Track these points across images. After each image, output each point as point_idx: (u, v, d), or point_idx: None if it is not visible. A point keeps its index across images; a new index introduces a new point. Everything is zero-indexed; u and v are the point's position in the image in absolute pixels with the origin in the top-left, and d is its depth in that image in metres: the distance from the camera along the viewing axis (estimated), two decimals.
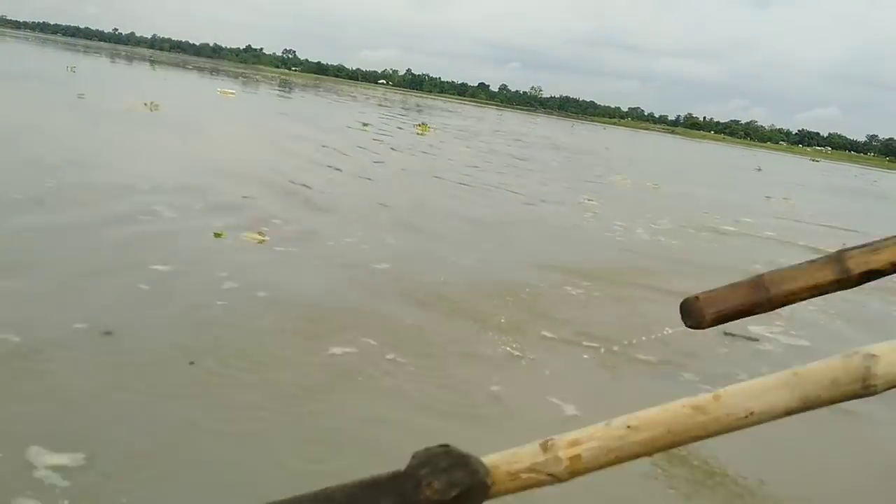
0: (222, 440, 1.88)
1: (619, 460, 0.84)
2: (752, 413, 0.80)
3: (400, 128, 17.80)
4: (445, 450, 0.86)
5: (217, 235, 4.01)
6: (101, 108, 10.60)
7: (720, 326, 2.92)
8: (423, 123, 19.31)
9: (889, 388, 0.78)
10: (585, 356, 3.02)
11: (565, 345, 3.12)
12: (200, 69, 55.20)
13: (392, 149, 11.70)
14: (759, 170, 26.81)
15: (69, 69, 21.81)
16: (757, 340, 3.73)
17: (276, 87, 41.13)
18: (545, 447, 0.84)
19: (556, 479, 0.84)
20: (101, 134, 7.96)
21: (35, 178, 4.80)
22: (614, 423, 0.83)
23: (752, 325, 3.87)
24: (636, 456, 0.84)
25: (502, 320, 3.26)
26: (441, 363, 2.70)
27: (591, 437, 0.84)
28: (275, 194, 5.73)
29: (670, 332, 3.15)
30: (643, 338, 3.29)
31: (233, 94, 22.58)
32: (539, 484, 0.84)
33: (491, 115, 53.72)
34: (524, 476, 0.84)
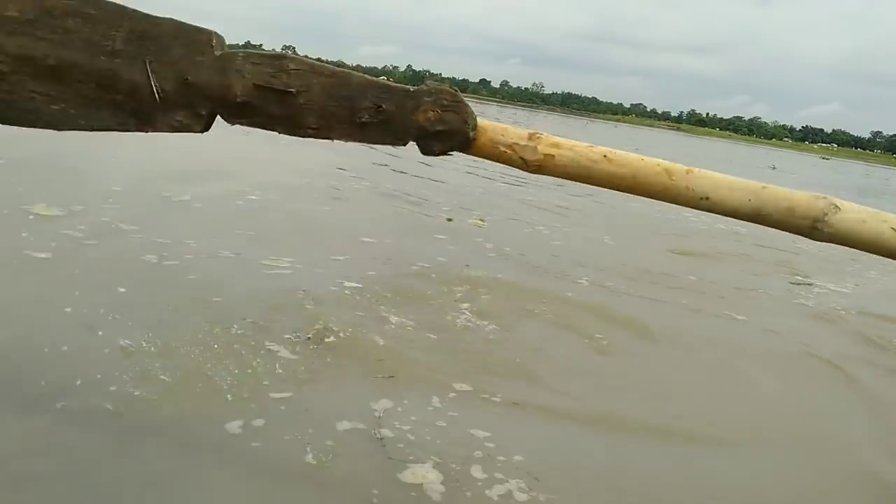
0: None
1: (582, 179, 0.97)
2: (707, 198, 0.91)
3: None
4: (453, 92, 1.07)
5: (449, 220, 5.79)
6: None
7: (786, 276, 5.36)
8: None
9: (832, 241, 0.90)
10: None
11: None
12: None
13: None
14: (774, 168, 28.61)
15: None
16: (811, 284, 5.55)
17: None
18: (532, 137, 0.99)
19: (525, 165, 0.98)
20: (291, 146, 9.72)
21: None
22: (596, 148, 0.99)
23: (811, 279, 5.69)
24: (599, 184, 0.96)
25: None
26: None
27: (572, 148, 0.97)
28: (444, 191, 7.51)
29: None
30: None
31: None
32: (510, 162, 0.98)
33: (499, 113, 55.26)
34: (502, 149, 0.99)
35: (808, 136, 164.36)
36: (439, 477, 2.00)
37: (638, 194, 0.99)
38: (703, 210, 0.96)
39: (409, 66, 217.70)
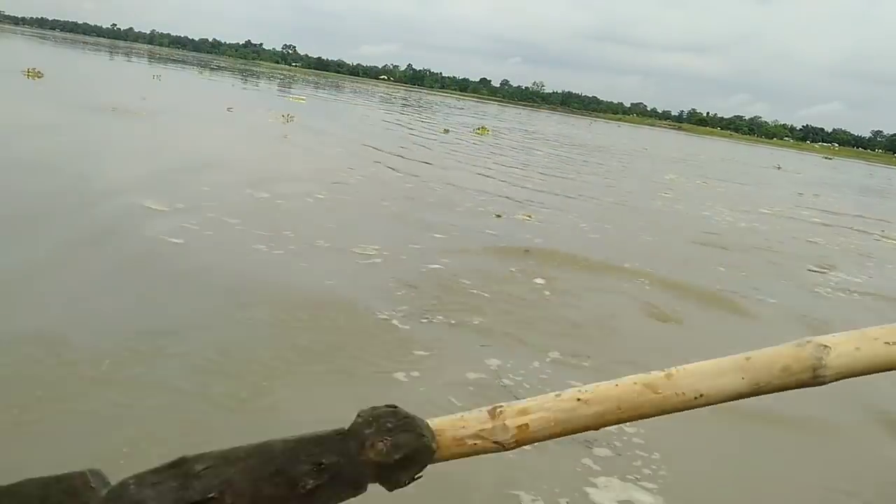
0: None
1: (566, 432, 0.85)
2: (701, 395, 0.84)
3: (440, 131, 19.99)
4: (392, 410, 0.89)
5: (497, 216, 6.33)
6: (266, 122, 12.91)
7: (805, 264, 6.06)
8: (482, 127, 21.69)
9: (838, 379, 0.83)
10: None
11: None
12: (229, 70, 57.45)
13: (501, 154, 14.05)
14: (779, 168, 29.23)
15: (154, 78, 24.15)
16: (824, 273, 6.09)
17: (309, 88, 43.24)
18: (493, 414, 0.86)
19: (501, 447, 0.86)
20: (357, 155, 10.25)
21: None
22: (564, 395, 0.85)
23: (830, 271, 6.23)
24: (585, 429, 0.85)
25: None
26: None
27: (541, 406, 0.85)
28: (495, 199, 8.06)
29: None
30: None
31: (304, 100, 24.91)
32: (484, 451, 0.86)
33: (503, 113, 55.83)
34: (470, 442, 0.85)
35: (809, 136, 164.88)
36: None
37: (628, 421, 0.86)
38: (700, 407, 0.86)
39: (409, 66, 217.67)
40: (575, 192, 9.53)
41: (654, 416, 0.85)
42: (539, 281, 4.38)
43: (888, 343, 0.79)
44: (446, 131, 18.18)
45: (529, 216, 6.52)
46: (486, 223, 6.09)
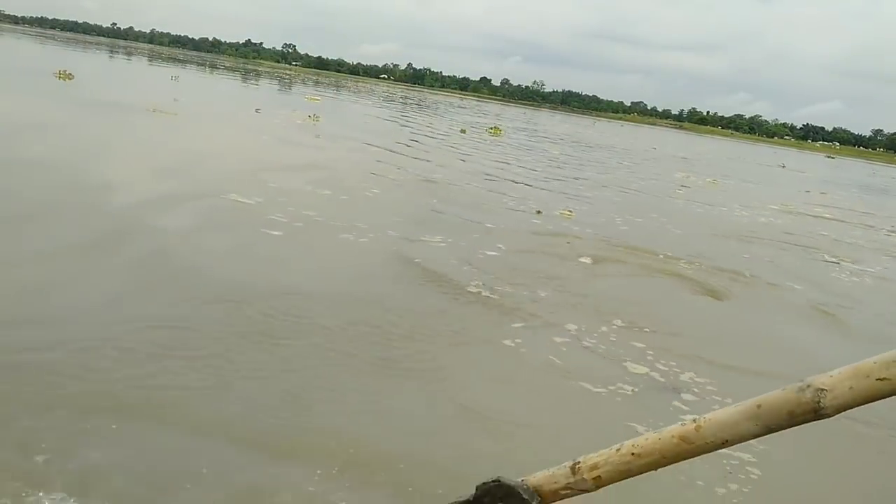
0: None
1: (628, 476, 1.11)
2: (726, 441, 1.03)
3: (457, 131, 20.47)
4: (498, 483, 1.15)
5: (538, 213, 6.84)
6: (295, 123, 13.43)
7: (820, 255, 6.74)
8: (495, 127, 22.19)
9: (838, 413, 0.95)
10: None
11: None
12: (234, 69, 57.96)
13: (523, 155, 14.57)
14: (784, 166, 29.79)
15: (173, 78, 24.66)
16: (838, 264, 6.61)
17: (316, 88, 43.71)
18: (574, 470, 1.12)
19: (586, 491, 1.13)
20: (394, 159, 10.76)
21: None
22: (623, 450, 1.10)
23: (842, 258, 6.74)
24: (641, 472, 1.10)
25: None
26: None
27: (607, 461, 1.11)
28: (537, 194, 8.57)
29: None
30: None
31: (319, 100, 25.43)
32: (573, 495, 1.15)
33: (505, 112, 56.33)
34: (562, 492, 1.14)
35: (810, 135, 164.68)
36: (647, 369, 3.06)
37: (672, 464, 1.09)
38: (726, 447, 1.05)
39: (409, 65, 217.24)
40: (597, 189, 10.06)
41: (691, 457, 1.06)
42: (586, 261, 4.94)
43: (879, 379, 0.91)
44: (463, 131, 18.68)
45: (571, 212, 7.04)
46: (528, 217, 6.61)
